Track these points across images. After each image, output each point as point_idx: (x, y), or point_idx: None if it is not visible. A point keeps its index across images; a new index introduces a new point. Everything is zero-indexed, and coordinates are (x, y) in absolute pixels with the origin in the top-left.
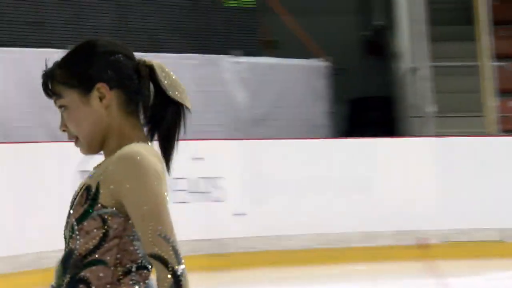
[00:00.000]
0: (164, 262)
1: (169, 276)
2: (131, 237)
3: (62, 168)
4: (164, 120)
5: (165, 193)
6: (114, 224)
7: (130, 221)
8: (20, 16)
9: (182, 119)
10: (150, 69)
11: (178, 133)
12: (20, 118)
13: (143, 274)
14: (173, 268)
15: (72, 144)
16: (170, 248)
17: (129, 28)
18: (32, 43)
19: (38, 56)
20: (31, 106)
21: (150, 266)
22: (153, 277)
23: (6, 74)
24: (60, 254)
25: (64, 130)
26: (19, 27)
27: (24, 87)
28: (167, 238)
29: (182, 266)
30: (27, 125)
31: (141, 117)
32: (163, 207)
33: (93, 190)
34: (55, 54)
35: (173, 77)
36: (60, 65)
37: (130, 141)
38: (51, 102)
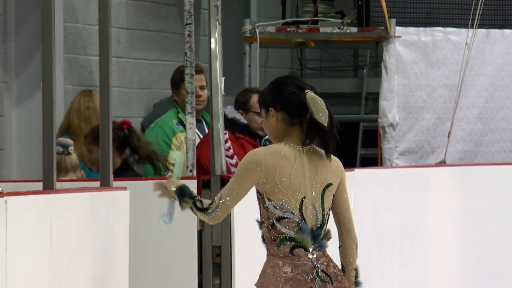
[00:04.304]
0: None
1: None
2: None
3: None
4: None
5: (244, 178)
6: None
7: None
8: None
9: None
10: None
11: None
12: None
13: None
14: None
15: None
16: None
17: None
18: None
19: None
20: None
21: None
22: None
23: None
24: None
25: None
26: None
27: None
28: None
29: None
30: None
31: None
32: (231, 183)
33: None
34: None
35: (319, 103)
36: None
37: (279, 142)
38: None
